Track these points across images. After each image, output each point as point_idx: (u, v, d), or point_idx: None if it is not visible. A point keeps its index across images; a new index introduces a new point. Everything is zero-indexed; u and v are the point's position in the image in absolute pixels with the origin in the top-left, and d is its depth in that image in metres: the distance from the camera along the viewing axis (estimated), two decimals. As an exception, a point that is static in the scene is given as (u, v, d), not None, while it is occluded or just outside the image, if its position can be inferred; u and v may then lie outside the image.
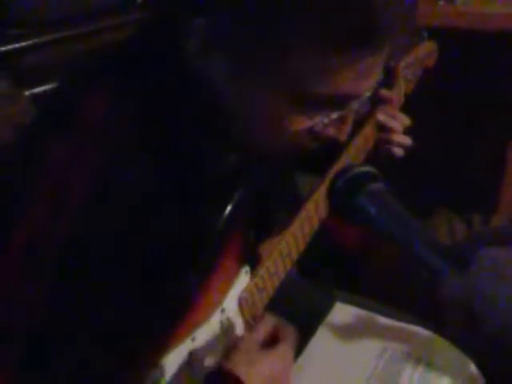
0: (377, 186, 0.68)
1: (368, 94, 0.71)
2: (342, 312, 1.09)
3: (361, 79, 0.67)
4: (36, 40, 1.13)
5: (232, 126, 0.73)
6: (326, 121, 0.70)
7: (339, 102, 0.69)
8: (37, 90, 1.07)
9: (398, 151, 1.08)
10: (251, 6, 0.62)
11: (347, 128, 0.74)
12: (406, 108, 1.16)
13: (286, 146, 0.73)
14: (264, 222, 0.86)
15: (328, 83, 0.65)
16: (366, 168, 0.70)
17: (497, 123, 1.85)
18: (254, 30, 0.63)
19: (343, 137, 0.74)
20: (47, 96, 0.89)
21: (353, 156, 1.00)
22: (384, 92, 1.09)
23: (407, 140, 1.08)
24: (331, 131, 0.73)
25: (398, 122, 1.08)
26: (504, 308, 0.48)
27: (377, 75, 0.70)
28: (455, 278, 0.56)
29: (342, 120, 0.72)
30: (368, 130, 1.04)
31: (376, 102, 1.06)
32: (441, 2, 1.83)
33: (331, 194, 0.71)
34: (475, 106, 1.89)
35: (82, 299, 0.67)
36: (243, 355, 0.75)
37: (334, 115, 0.70)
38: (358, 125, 1.01)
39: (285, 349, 0.80)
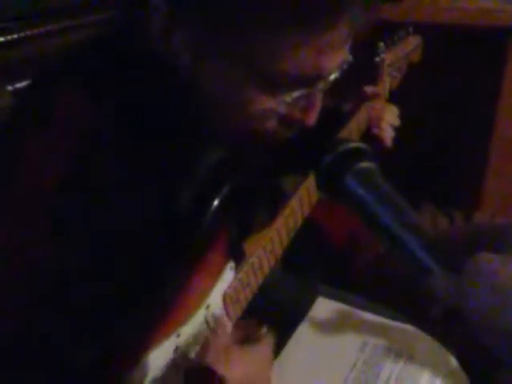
0: (367, 164, 0.62)
1: (334, 75, 0.71)
2: (324, 307, 1.09)
3: (321, 57, 0.66)
4: (19, 34, 1.11)
5: (201, 110, 0.72)
6: (288, 99, 0.69)
7: (302, 80, 0.68)
8: (20, 84, 1.06)
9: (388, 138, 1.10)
10: None
11: (314, 112, 0.74)
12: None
13: (252, 129, 0.72)
14: (248, 218, 0.86)
15: (287, 60, 0.65)
16: (357, 144, 0.64)
17: (479, 118, 1.86)
18: (213, 10, 0.63)
19: (310, 121, 0.74)
20: (22, 92, 0.88)
21: None
22: (369, 88, 1.10)
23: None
24: (297, 115, 0.72)
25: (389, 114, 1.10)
26: (495, 319, 0.47)
27: (342, 55, 0.69)
28: (443, 276, 0.54)
29: (308, 103, 0.72)
30: (352, 126, 1.05)
31: (362, 98, 1.07)
32: (425, -2, 1.84)
33: (317, 170, 0.65)
34: (459, 102, 1.91)
35: (58, 293, 0.67)
36: (220, 354, 0.75)
37: (297, 93, 0.69)
38: (342, 123, 1.01)
39: (261, 349, 0.80)
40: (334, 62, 0.69)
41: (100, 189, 0.69)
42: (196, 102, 0.72)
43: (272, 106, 0.69)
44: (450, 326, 1.07)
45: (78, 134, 0.68)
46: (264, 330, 0.82)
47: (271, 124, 0.72)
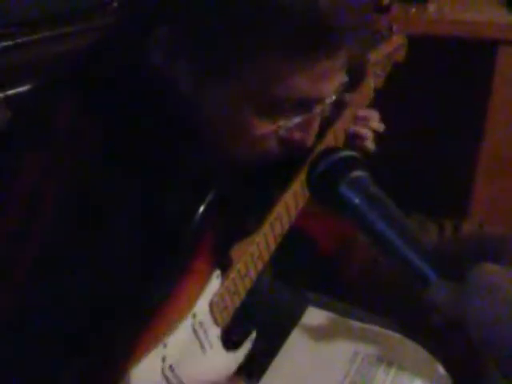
0: (360, 173, 0.60)
1: (332, 98, 0.72)
2: (314, 316, 1.09)
3: (319, 82, 0.67)
4: (10, 41, 1.11)
5: (199, 132, 0.73)
6: (289, 124, 0.70)
7: (300, 105, 0.69)
8: (11, 92, 1.05)
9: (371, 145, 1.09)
10: (211, 16, 0.64)
11: (313, 132, 0.75)
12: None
13: (252, 151, 0.73)
14: (235, 224, 0.86)
15: (285, 87, 0.66)
16: (350, 152, 0.62)
17: (468, 129, 1.87)
18: (213, 39, 0.65)
19: (309, 141, 0.75)
20: (20, 103, 0.88)
21: None
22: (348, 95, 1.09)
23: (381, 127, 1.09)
24: (297, 135, 0.73)
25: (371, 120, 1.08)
26: (500, 331, 0.46)
27: (339, 79, 0.71)
28: (442, 286, 0.53)
29: (307, 124, 0.73)
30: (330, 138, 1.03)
31: (345, 103, 1.06)
32: (413, 10, 1.85)
33: (310, 179, 0.63)
34: (447, 112, 1.92)
35: (48, 305, 0.66)
36: None
37: (297, 119, 0.70)
38: (323, 131, 1.00)
39: None
40: (331, 87, 0.70)
41: (95, 199, 0.69)
42: (195, 125, 0.72)
43: (271, 131, 0.70)
44: (448, 337, 1.06)
45: (75, 146, 0.68)
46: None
47: (270, 145, 0.73)
